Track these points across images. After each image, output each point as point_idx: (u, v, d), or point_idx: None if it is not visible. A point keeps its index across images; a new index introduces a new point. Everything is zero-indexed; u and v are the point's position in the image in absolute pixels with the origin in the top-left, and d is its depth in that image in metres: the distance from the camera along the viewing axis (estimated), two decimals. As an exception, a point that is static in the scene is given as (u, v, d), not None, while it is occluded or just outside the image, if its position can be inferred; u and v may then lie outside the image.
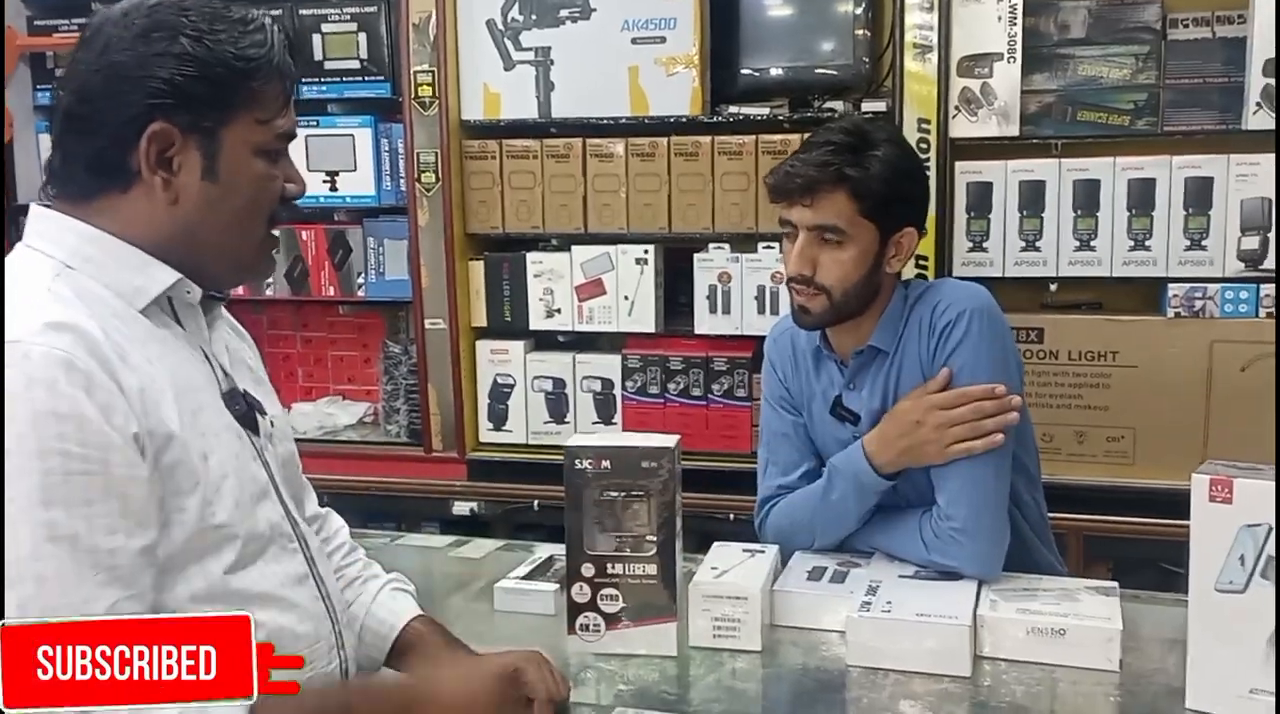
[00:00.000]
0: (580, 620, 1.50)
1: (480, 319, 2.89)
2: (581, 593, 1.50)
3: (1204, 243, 2.47)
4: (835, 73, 2.68)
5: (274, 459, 1.21)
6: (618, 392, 2.83)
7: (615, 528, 1.49)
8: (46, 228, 1.10)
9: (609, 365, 2.83)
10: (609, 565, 1.49)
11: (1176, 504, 2.48)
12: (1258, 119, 2.40)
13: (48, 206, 1.11)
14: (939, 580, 1.57)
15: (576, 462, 1.48)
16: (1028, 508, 1.70)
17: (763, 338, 2.72)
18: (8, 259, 1.10)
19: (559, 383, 2.86)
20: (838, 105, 2.68)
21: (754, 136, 2.67)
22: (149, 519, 1.02)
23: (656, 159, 2.73)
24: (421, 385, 2.89)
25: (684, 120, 2.72)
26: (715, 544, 1.68)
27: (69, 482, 0.96)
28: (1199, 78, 2.48)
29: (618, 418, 2.82)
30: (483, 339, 2.91)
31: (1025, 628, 1.43)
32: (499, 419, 2.90)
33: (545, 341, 2.92)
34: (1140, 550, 2.51)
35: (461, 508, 2.86)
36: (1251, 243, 2.44)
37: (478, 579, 1.82)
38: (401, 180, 2.87)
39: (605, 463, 1.48)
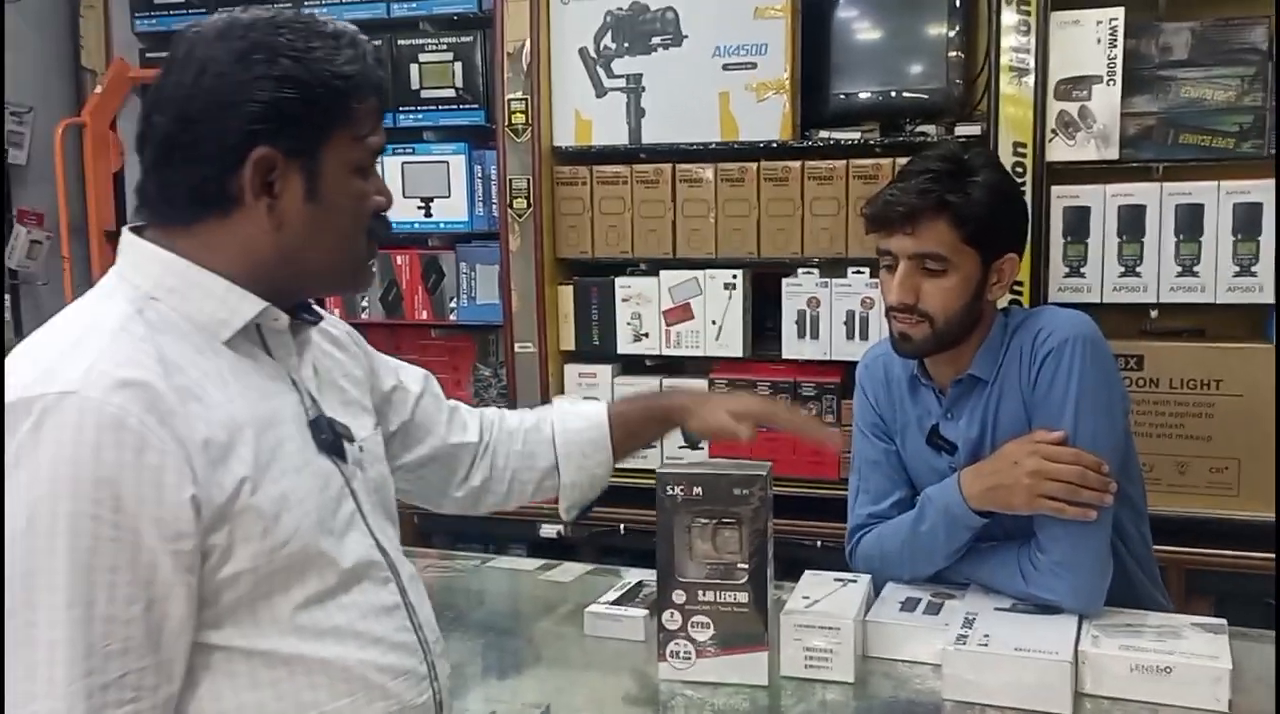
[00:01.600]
0: (671, 648, 1.50)
1: (569, 342, 2.91)
2: (672, 620, 1.49)
3: (1313, 268, 2.39)
4: (927, 96, 2.65)
5: (363, 486, 1.17)
6: (705, 416, 2.82)
7: (706, 555, 1.49)
8: (135, 256, 1.09)
9: (697, 390, 2.83)
10: (700, 593, 1.48)
11: (1286, 539, 2.45)
12: (1369, 141, 2.32)
13: (137, 234, 1.10)
14: (1037, 614, 1.54)
15: (668, 488, 1.48)
16: (1132, 541, 1.66)
17: (851, 363, 2.70)
18: (99, 284, 1.10)
19: (647, 407, 2.86)
20: (930, 129, 2.66)
21: (844, 161, 2.66)
22: (177, 590, 0.98)
23: (746, 184, 2.73)
24: (511, 407, 2.91)
25: (774, 145, 2.71)
26: (807, 573, 1.67)
27: (97, 549, 0.93)
28: (1308, 98, 2.41)
29: (704, 443, 2.81)
30: (571, 362, 2.93)
31: (1129, 665, 1.39)
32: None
33: (632, 365, 2.93)
34: (1245, 585, 2.43)
35: (549, 530, 2.88)
36: (1364, 268, 2.35)
37: (566, 603, 1.83)
38: (494, 206, 2.91)
39: (697, 490, 1.48)
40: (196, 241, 1.08)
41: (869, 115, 2.71)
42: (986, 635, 1.45)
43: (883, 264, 1.66)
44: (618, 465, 1.53)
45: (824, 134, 2.70)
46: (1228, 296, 2.45)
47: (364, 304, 3.05)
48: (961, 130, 2.62)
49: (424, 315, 3.05)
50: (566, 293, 2.89)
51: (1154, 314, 2.50)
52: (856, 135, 2.68)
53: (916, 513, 1.65)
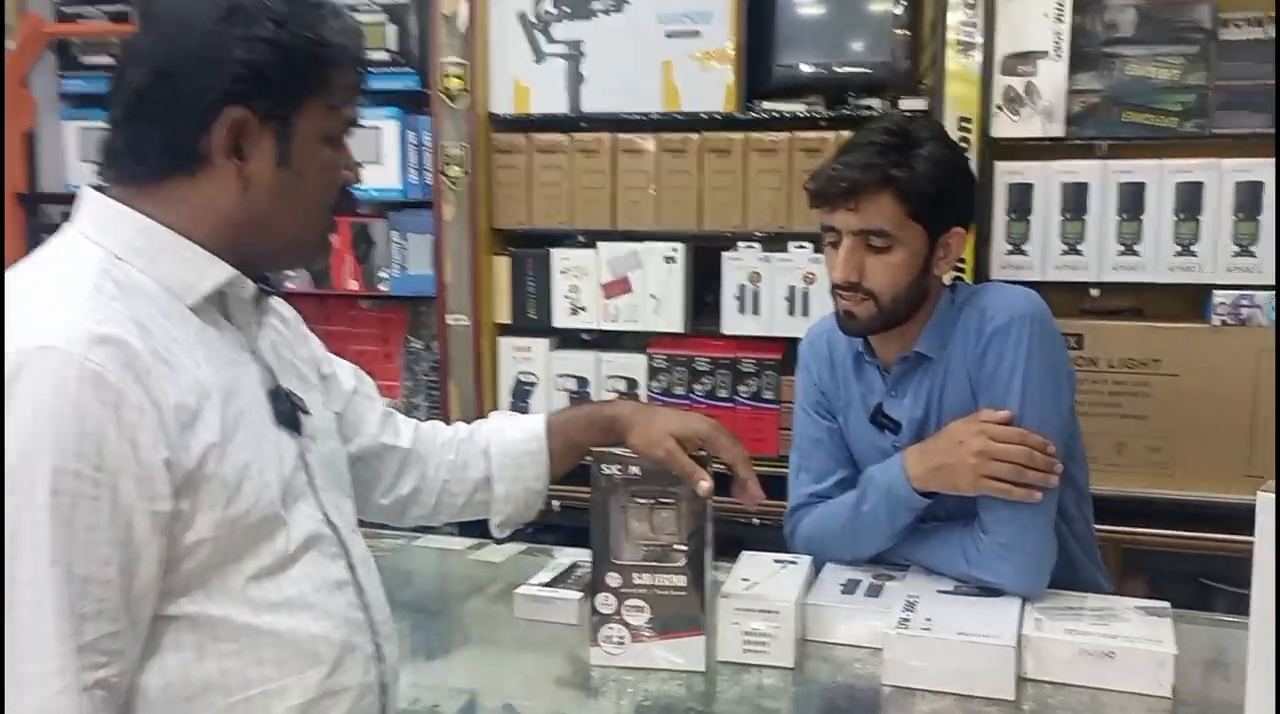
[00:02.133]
0: (604, 632, 1.44)
1: (504, 316, 2.83)
2: (606, 604, 1.44)
3: (1252, 249, 2.39)
4: (872, 70, 2.61)
5: (317, 460, 1.16)
6: (642, 392, 2.77)
7: (643, 536, 1.44)
8: (99, 214, 1.06)
9: (634, 365, 2.77)
10: (635, 575, 1.43)
11: (1217, 517, 2.46)
12: (1312, 122, 2.32)
13: (100, 191, 1.07)
14: (980, 597, 1.51)
15: (604, 467, 1.43)
16: (1075, 522, 1.63)
17: (793, 340, 2.68)
18: (54, 242, 1.06)
19: (582, 382, 2.81)
20: (874, 103, 2.62)
21: (789, 134, 2.61)
22: (149, 551, 0.96)
23: (688, 155, 2.67)
24: (442, 382, 2.85)
25: (717, 117, 2.65)
26: (744, 553, 1.62)
27: (76, 506, 0.92)
28: (1250, 79, 2.40)
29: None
30: (506, 336, 2.86)
31: (1072, 649, 1.37)
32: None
33: (569, 340, 2.86)
34: (1180, 564, 2.44)
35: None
36: (1303, 250, 2.36)
37: (496, 584, 1.78)
38: (427, 174, 2.82)
39: (634, 469, 1.42)
40: (162, 202, 1.05)
41: (813, 88, 2.66)
42: (929, 619, 1.41)
43: (826, 240, 1.61)
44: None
45: (768, 106, 2.65)
46: (1168, 276, 2.45)
47: (291, 273, 2.94)
48: (906, 104, 2.58)
49: (354, 285, 2.95)
50: (502, 264, 2.82)
51: (1095, 293, 2.49)
52: (801, 108, 2.63)
53: (858, 493, 1.61)
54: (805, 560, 1.60)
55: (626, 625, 1.43)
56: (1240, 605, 2.53)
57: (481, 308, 2.79)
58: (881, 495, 1.57)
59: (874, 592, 1.55)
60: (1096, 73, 2.47)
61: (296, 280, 2.95)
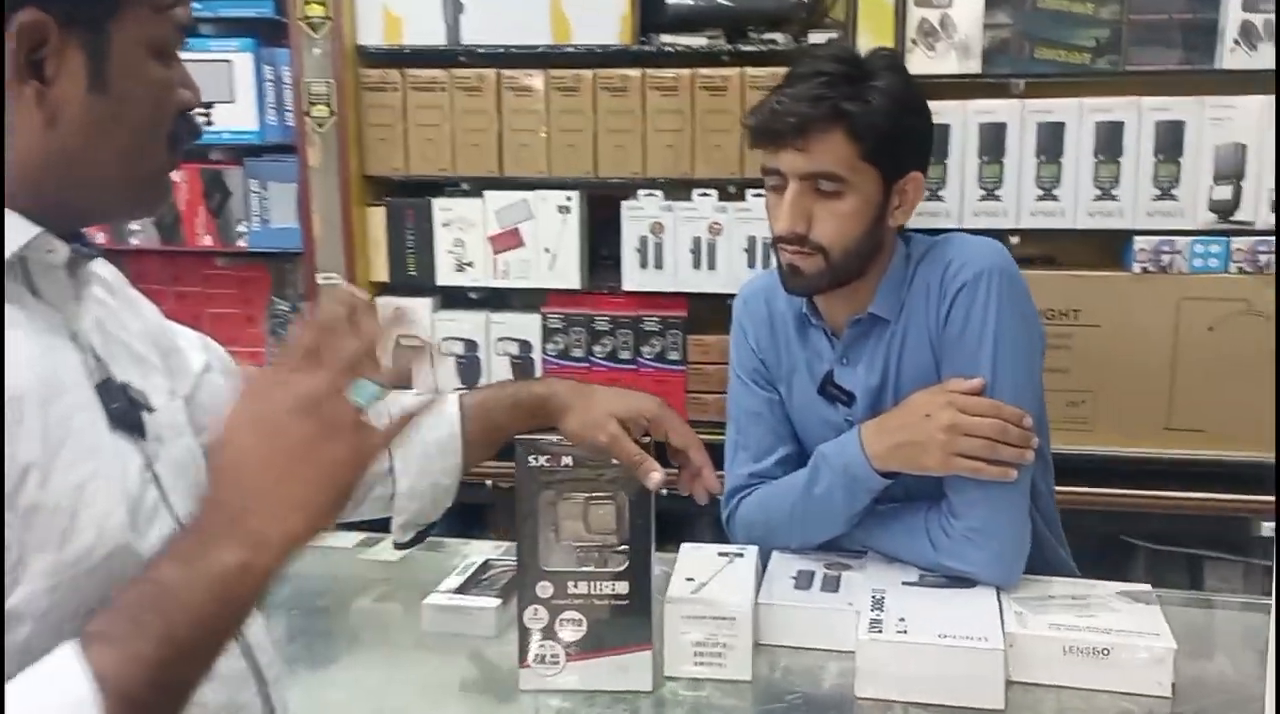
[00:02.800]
0: (535, 651, 1.23)
1: (381, 273, 2.57)
2: (537, 618, 1.23)
3: (1174, 192, 2.30)
4: (775, 1, 2.42)
5: (168, 467, 0.91)
6: (537, 355, 2.55)
7: (577, 537, 1.23)
8: None
9: (527, 325, 2.55)
10: (570, 584, 1.23)
11: (1139, 473, 2.39)
12: (1234, 58, 2.22)
13: None
14: (950, 588, 1.36)
15: (530, 459, 1.21)
16: (1041, 497, 1.49)
17: (699, 296, 2.50)
18: None
19: (471, 345, 2.57)
20: (779, 37, 2.43)
21: (690, 70, 2.40)
22: None
23: (581, 94, 2.43)
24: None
25: (611, 50, 2.42)
26: (684, 546, 1.44)
27: None
28: (1165, 13, 2.29)
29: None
30: (384, 295, 2.59)
31: (1061, 647, 1.22)
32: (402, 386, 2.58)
33: (455, 299, 2.62)
34: (1097, 523, 2.36)
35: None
36: (1224, 192, 2.27)
37: (395, 589, 1.55)
38: (288, 114, 2.52)
39: (566, 460, 1.22)
40: None
41: (711, 20, 2.46)
42: (902, 619, 1.25)
43: (768, 185, 1.42)
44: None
45: (667, 39, 2.43)
46: (1088, 221, 2.34)
47: (134, 227, 2.61)
48: (816, 38, 2.40)
49: (207, 241, 2.64)
50: (377, 215, 2.55)
51: (1015, 240, 2.36)
52: (703, 41, 2.42)
53: (809, 473, 1.44)
54: (752, 552, 1.42)
55: (560, 643, 1.23)
56: (1168, 566, 2.51)
57: (356, 265, 2.52)
58: (837, 476, 1.40)
59: (830, 584, 1.39)
60: (1010, 5, 2.33)
61: (140, 236, 2.62)
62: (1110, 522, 2.35)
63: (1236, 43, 2.22)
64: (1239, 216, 2.27)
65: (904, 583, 1.37)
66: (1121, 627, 1.24)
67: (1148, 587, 1.35)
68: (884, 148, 1.36)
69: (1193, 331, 2.31)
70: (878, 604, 1.29)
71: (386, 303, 2.47)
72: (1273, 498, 2.29)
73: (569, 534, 1.23)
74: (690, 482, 1.26)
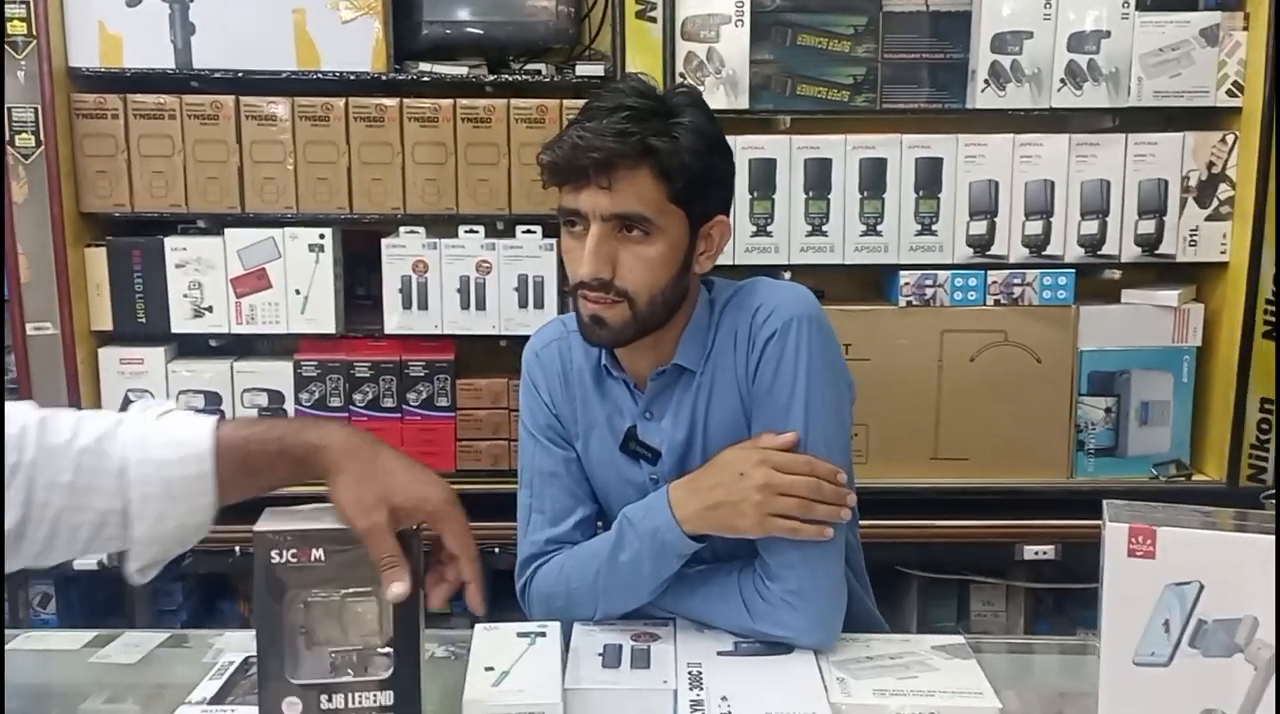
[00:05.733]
0: (285, 781, 1.05)
1: (104, 321, 2.29)
2: (285, 740, 1.05)
3: (934, 227, 2.35)
4: (535, 30, 2.32)
5: None
6: (290, 405, 2.33)
7: (330, 640, 1.06)
8: None
9: (278, 374, 2.33)
10: (324, 698, 1.05)
11: (910, 504, 2.43)
12: (985, 97, 2.30)
13: None
14: (766, 655, 1.27)
15: (273, 554, 1.03)
16: (851, 551, 1.43)
17: (467, 337, 2.36)
18: None
19: (214, 397, 2.32)
20: (542, 67, 2.34)
21: (450, 100, 2.26)
22: None
23: (332, 124, 2.25)
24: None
25: (365, 78, 2.25)
26: (478, 628, 1.29)
27: None
28: (916, 53, 2.35)
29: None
30: (109, 346, 2.31)
31: (886, 715, 1.16)
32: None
33: (192, 347, 2.36)
34: (875, 553, 2.37)
35: (88, 562, 2.24)
36: (979, 227, 2.34)
37: (137, 698, 1.32)
38: (-12, 143, 2.21)
39: (316, 553, 1.03)
40: None
41: (469, 49, 2.34)
42: (724, 699, 1.15)
43: (567, 228, 1.29)
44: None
45: (424, 67, 2.29)
46: (855, 257, 2.36)
47: None
48: (583, 70, 2.32)
49: (-112, 289, 2.27)
50: (97, 257, 2.27)
51: (787, 276, 2.35)
52: (464, 71, 2.29)
53: (614, 539, 1.32)
54: (554, 629, 1.28)
55: (316, 768, 1.05)
56: (938, 592, 2.55)
57: (73, 312, 2.23)
58: (645, 542, 1.29)
59: (641, 659, 1.27)
60: (772, 41, 2.33)
61: None
62: (884, 552, 2.36)
63: (987, 83, 2.29)
64: (993, 251, 2.35)
65: (719, 653, 1.27)
66: (944, 687, 1.19)
67: (960, 639, 1.31)
68: (692, 190, 1.27)
69: (955, 363, 2.37)
70: (696, 681, 1.19)
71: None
72: (1032, 522, 2.37)
73: (322, 638, 1.06)
74: (436, 584, 1.07)
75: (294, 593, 1.04)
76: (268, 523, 1.04)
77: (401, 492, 1.04)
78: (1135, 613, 1.04)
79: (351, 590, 1.06)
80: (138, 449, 1.00)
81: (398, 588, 1.02)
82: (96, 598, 2.47)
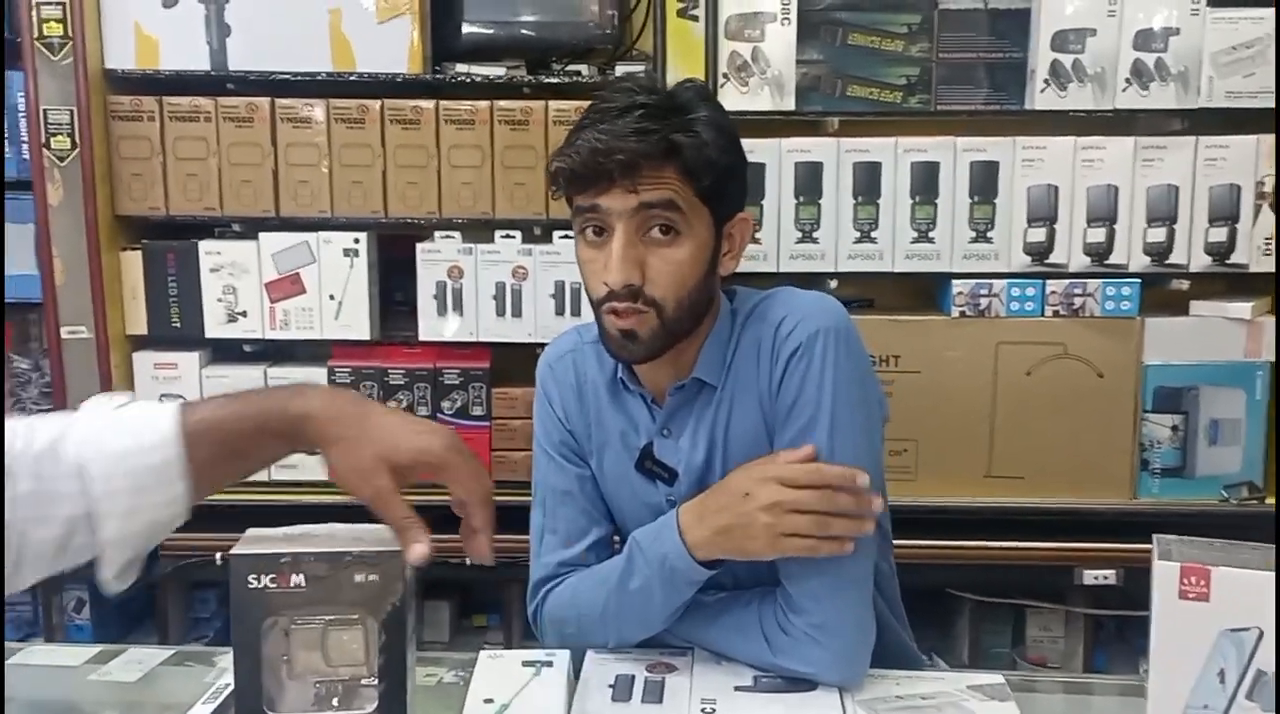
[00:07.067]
0: (264, 818, 0.99)
1: (139, 325, 2.26)
2: (264, 775, 0.99)
3: (989, 234, 2.24)
4: (577, 31, 2.26)
5: None
6: (324, 413, 2.28)
7: (313, 670, 1.00)
8: None
9: (311, 380, 2.28)
10: (305, 730, 0.99)
11: (962, 524, 2.32)
12: (1045, 98, 2.19)
13: None
14: (788, 692, 1.19)
15: (250, 579, 0.97)
16: (884, 578, 1.34)
17: (502, 345, 2.30)
18: None
19: (247, 404, 2.28)
20: (583, 69, 2.27)
21: (488, 102, 2.21)
22: None
23: (368, 126, 2.21)
24: (59, 410, 2.23)
25: (401, 79, 2.21)
26: (482, 654, 1.22)
27: None
28: (973, 52, 2.24)
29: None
30: (143, 350, 2.29)
31: (911, 762, 1.07)
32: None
33: (227, 352, 2.33)
34: (922, 576, 2.27)
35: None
36: (1038, 234, 2.23)
37: (138, 715, 1.28)
38: (24, 146, 2.21)
39: (297, 578, 0.97)
40: None
41: (510, 50, 2.28)
42: (739, 738, 1.08)
43: (581, 233, 1.23)
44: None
45: (461, 69, 2.24)
46: (905, 264, 2.26)
47: None
48: (624, 70, 2.25)
49: (-71, 291, 2.28)
50: (133, 260, 2.25)
51: (834, 284, 2.26)
52: (501, 71, 2.23)
53: (624, 564, 1.25)
54: (562, 658, 1.22)
55: (297, 805, 0.99)
56: (992, 617, 2.44)
57: (108, 316, 2.21)
58: (654, 570, 1.21)
59: (653, 693, 1.19)
60: (821, 41, 2.24)
61: None
62: (934, 574, 2.26)
63: (1046, 83, 2.18)
64: (1052, 259, 2.24)
65: (737, 688, 1.20)
66: (979, 730, 1.10)
67: (1000, 678, 1.21)
68: (717, 186, 1.19)
69: (1010, 376, 2.26)
70: (709, 719, 1.12)
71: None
72: (1092, 545, 2.25)
73: (304, 668, 1.00)
74: (469, 541, 1.00)
75: (273, 619, 0.98)
76: (245, 546, 0.99)
77: (400, 448, 0.97)
78: (1187, 660, 0.95)
79: (334, 618, 0.99)
80: (93, 444, 0.93)
81: (419, 548, 0.96)
82: (131, 604, 2.46)
